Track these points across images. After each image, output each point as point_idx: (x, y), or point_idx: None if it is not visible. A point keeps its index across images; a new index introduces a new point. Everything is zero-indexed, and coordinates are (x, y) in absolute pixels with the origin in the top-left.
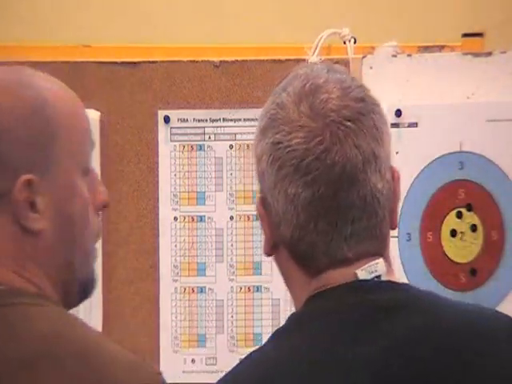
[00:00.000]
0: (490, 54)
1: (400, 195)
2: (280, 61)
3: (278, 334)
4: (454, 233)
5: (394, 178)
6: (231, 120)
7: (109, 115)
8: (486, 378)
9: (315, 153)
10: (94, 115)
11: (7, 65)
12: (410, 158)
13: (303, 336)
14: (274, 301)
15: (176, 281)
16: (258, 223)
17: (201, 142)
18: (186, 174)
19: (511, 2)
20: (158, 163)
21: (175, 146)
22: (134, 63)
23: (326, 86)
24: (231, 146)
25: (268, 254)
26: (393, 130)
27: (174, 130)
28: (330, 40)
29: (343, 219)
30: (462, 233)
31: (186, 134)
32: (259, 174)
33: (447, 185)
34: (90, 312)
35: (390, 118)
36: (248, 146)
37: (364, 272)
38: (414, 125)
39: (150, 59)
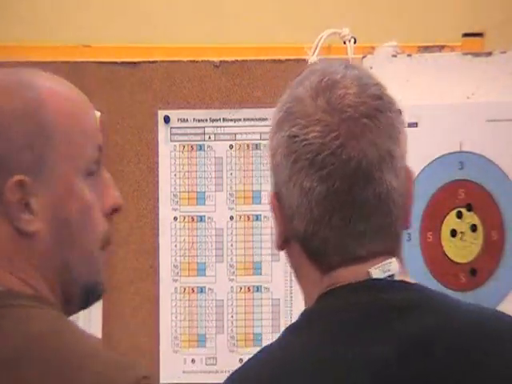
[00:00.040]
0: (490, 54)
1: (413, 195)
2: (280, 61)
3: (288, 331)
4: (454, 233)
5: (409, 177)
6: (231, 120)
7: (109, 115)
8: (492, 378)
9: (331, 147)
10: None
11: (7, 65)
12: (409, 158)
13: (312, 334)
14: (273, 301)
15: (176, 281)
16: (258, 223)
17: (201, 142)
18: (186, 174)
19: (511, 2)
20: (157, 163)
21: (175, 146)
22: (134, 63)
23: (343, 82)
24: (231, 146)
25: (280, 249)
26: None
27: (173, 130)
28: (330, 40)
29: (357, 215)
30: (462, 233)
31: (186, 134)
32: (273, 167)
33: (447, 185)
34: (90, 312)
35: None
36: (248, 145)
37: (377, 271)
38: (414, 125)
39: (150, 59)
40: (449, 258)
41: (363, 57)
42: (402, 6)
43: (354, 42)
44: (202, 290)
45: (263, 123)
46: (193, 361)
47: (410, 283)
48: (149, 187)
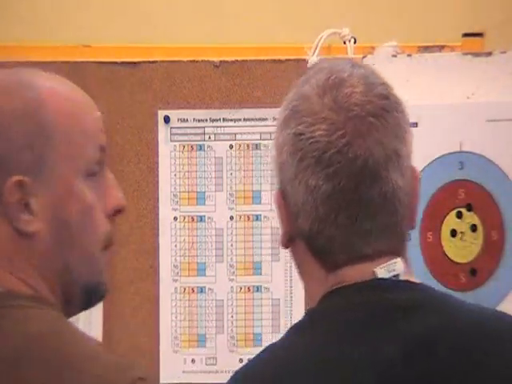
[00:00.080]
0: (490, 54)
1: (419, 195)
2: (280, 61)
3: (293, 330)
4: (454, 233)
5: (415, 177)
6: (231, 120)
7: (109, 115)
8: (492, 378)
9: (337, 146)
10: None
11: (7, 65)
12: None
13: (317, 333)
14: (273, 301)
15: (176, 281)
16: (258, 223)
17: (201, 142)
18: (186, 173)
19: (511, 2)
20: (157, 163)
21: (175, 146)
22: (134, 63)
23: (350, 81)
24: (231, 146)
25: (284, 247)
26: None
27: (173, 130)
28: (330, 40)
29: (363, 214)
30: (462, 233)
31: (186, 134)
32: (279, 165)
33: (447, 185)
34: (91, 312)
35: None
36: (248, 145)
37: (383, 270)
38: (414, 125)
39: (150, 59)
40: (449, 258)
41: (363, 57)
42: (402, 6)
43: (354, 42)
44: (201, 290)
45: (263, 123)
46: (193, 361)
47: (414, 283)
48: (149, 187)
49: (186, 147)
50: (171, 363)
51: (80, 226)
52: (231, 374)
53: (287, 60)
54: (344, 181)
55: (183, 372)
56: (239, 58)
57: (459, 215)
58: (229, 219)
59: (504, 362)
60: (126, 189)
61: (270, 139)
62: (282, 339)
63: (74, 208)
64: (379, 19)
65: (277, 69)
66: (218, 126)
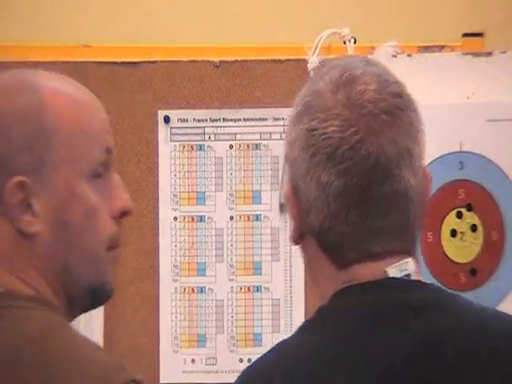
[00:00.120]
0: (490, 54)
1: (429, 196)
2: (280, 61)
3: (303, 328)
4: (454, 233)
5: (426, 177)
6: (231, 120)
7: (109, 115)
8: (500, 378)
9: (350, 142)
10: None
11: (7, 65)
12: None
13: (327, 332)
14: (273, 301)
15: (176, 281)
16: (258, 223)
17: (201, 142)
18: (186, 173)
19: (511, 2)
20: (157, 163)
21: (175, 146)
22: (134, 63)
23: (363, 78)
24: (231, 146)
25: (295, 243)
26: None
27: (173, 130)
28: (330, 40)
29: (375, 212)
30: (462, 233)
31: (186, 134)
32: (291, 161)
33: (447, 185)
34: (91, 313)
35: None
36: (248, 145)
37: (394, 270)
38: None
39: (150, 59)
40: (449, 258)
41: None
42: (402, 6)
43: (354, 42)
44: (202, 290)
45: (263, 123)
46: (193, 361)
47: (425, 283)
48: (149, 187)
49: (185, 147)
50: (171, 363)
51: (82, 227)
52: (231, 374)
53: (287, 60)
54: (356, 178)
55: (183, 372)
56: (239, 58)
57: (459, 215)
58: (229, 219)
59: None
60: (126, 189)
61: (270, 139)
62: (293, 337)
63: (76, 209)
64: (379, 19)
65: (277, 69)
66: (218, 126)
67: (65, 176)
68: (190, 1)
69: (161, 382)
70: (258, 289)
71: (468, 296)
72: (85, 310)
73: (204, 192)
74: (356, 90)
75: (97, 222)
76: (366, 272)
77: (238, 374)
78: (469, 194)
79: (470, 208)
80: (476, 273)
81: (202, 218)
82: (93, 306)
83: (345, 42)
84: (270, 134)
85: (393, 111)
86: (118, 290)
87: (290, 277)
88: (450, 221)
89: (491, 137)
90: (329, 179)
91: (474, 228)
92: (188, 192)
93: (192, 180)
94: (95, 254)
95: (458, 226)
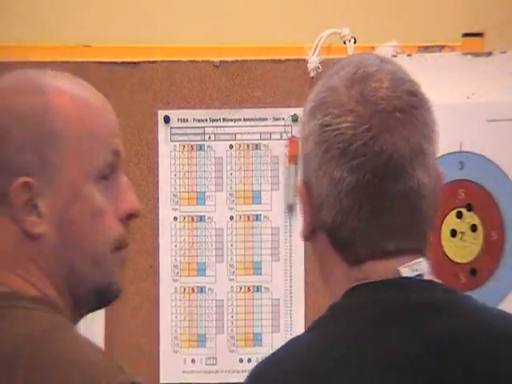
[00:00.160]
0: (490, 54)
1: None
2: (280, 61)
3: (315, 325)
4: (454, 233)
5: (439, 176)
6: (231, 120)
7: None
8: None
9: (363, 138)
10: None
11: (7, 65)
12: None
13: (338, 329)
14: (273, 301)
15: (176, 281)
16: (258, 223)
17: (201, 142)
18: (186, 173)
19: (511, 2)
20: (157, 163)
21: (175, 146)
22: (134, 63)
23: (377, 75)
24: (231, 146)
25: (306, 239)
26: None
27: (173, 130)
28: (330, 40)
29: (387, 209)
30: (462, 233)
31: (186, 134)
32: (304, 156)
33: (447, 185)
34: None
35: None
36: (248, 145)
37: (407, 269)
38: None
39: (150, 59)
40: (449, 258)
41: None
42: (402, 6)
43: (354, 42)
44: (202, 289)
45: (263, 123)
46: (193, 361)
47: (437, 283)
48: (149, 187)
49: (186, 147)
50: (171, 363)
51: (87, 228)
52: (231, 374)
53: (287, 60)
54: (368, 174)
55: (183, 372)
56: (239, 58)
57: (459, 215)
58: (229, 219)
59: None
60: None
61: (270, 139)
62: (304, 334)
63: (82, 210)
64: (379, 19)
65: (277, 69)
66: (218, 126)
67: (70, 177)
68: (190, 1)
69: (161, 381)
70: (258, 289)
71: None
72: (91, 310)
73: (204, 192)
74: (370, 87)
75: (102, 224)
76: (378, 270)
77: (238, 374)
78: (469, 194)
79: (470, 208)
80: (476, 273)
81: (201, 218)
82: (99, 306)
83: (345, 42)
84: (270, 134)
85: (406, 109)
86: None
87: (290, 277)
88: (450, 221)
89: (491, 137)
90: (341, 175)
91: (474, 228)
92: (188, 192)
93: (192, 180)
94: (101, 255)
95: (458, 226)
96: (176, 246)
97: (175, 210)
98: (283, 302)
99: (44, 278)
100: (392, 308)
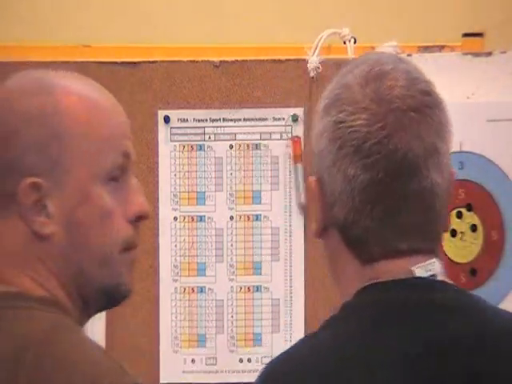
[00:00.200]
0: (490, 54)
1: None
2: (280, 61)
3: (327, 324)
4: (453, 233)
5: (452, 176)
6: (231, 120)
7: None
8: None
9: (377, 137)
10: None
11: (7, 65)
12: None
13: (350, 328)
14: (273, 301)
15: (176, 281)
16: (258, 223)
17: (201, 142)
18: (186, 173)
19: (511, 2)
20: (158, 163)
21: (175, 146)
22: (134, 63)
23: (393, 73)
24: (231, 146)
25: (318, 236)
26: None
27: (173, 130)
28: (330, 40)
29: (400, 208)
30: (462, 233)
31: (186, 134)
32: (317, 153)
33: None
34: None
35: None
36: (248, 145)
37: (421, 269)
38: None
39: (150, 59)
40: (449, 258)
41: None
42: (401, 6)
43: (354, 42)
44: (202, 289)
45: (263, 123)
46: (193, 361)
47: (449, 284)
48: (149, 187)
49: (186, 147)
50: (171, 363)
51: (96, 229)
52: (231, 374)
53: (287, 60)
54: (382, 173)
55: (183, 372)
56: (239, 58)
57: (459, 215)
58: (229, 219)
59: None
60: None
61: (270, 139)
62: (316, 333)
63: (90, 212)
64: (379, 19)
65: (277, 69)
66: (218, 126)
67: (79, 178)
68: (190, 1)
69: (161, 381)
70: (258, 289)
71: None
72: (100, 310)
73: (204, 192)
74: (385, 85)
75: (111, 225)
76: (391, 269)
77: (238, 374)
78: (469, 194)
79: (470, 208)
80: (476, 273)
81: (201, 218)
82: (108, 306)
83: (345, 42)
84: (270, 134)
85: (421, 109)
86: None
87: (290, 277)
88: (450, 221)
89: (491, 137)
90: (355, 172)
91: (473, 228)
92: (188, 192)
93: (192, 180)
94: (109, 256)
95: (458, 226)
96: (176, 245)
97: (175, 210)
98: (283, 301)
99: (52, 279)
100: (405, 308)
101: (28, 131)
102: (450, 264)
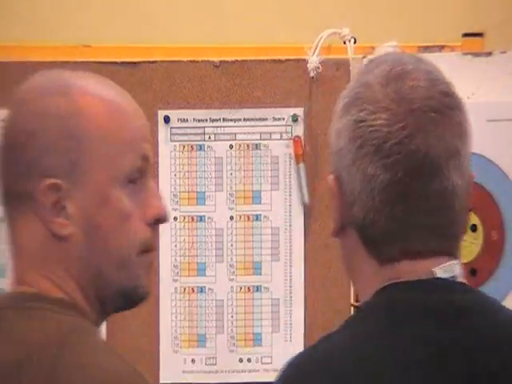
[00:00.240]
0: (490, 54)
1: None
2: (280, 61)
3: (346, 324)
4: None
5: (471, 178)
6: (231, 120)
7: None
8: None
9: (398, 137)
10: None
11: (7, 65)
12: None
13: (367, 328)
14: (273, 301)
15: (176, 281)
16: (258, 223)
17: (201, 142)
18: (186, 173)
19: (511, 2)
20: (158, 163)
21: (175, 146)
22: (134, 63)
23: (414, 74)
24: (231, 146)
25: (335, 235)
26: None
27: (173, 130)
28: (330, 40)
29: (420, 209)
30: None
31: (186, 134)
32: (336, 151)
33: None
34: None
35: None
36: (248, 145)
37: (441, 271)
38: None
39: (150, 59)
40: None
41: (363, 57)
42: (401, 6)
43: (354, 42)
44: (202, 289)
45: (263, 123)
46: (193, 361)
47: (469, 286)
48: None
49: (186, 147)
50: (171, 363)
51: (114, 231)
52: (231, 374)
53: (287, 60)
54: (401, 173)
55: (183, 372)
56: (239, 58)
57: None
58: (229, 219)
59: None
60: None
61: (270, 139)
62: (335, 333)
63: (109, 214)
64: (379, 19)
65: (277, 69)
66: (218, 126)
67: (97, 180)
68: (190, 1)
69: (161, 381)
70: (258, 289)
71: None
72: (117, 311)
73: (204, 192)
74: (406, 85)
75: (129, 227)
76: (412, 269)
77: (238, 374)
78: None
79: (469, 208)
80: (476, 273)
81: (201, 218)
82: (125, 307)
83: (345, 42)
84: (270, 134)
85: (442, 110)
86: None
87: (290, 277)
88: None
89: (491, 137)
90: (375, 172)
91: (474, 228)
92: (188, 192)
93: (192, 180)
94: (127, 259)
95: None
96: (176, 245)
97: (175, 209)
98: (283, 301)
99: (71, 281)
100: (425, 308)
101: (45, 133)
102: None
